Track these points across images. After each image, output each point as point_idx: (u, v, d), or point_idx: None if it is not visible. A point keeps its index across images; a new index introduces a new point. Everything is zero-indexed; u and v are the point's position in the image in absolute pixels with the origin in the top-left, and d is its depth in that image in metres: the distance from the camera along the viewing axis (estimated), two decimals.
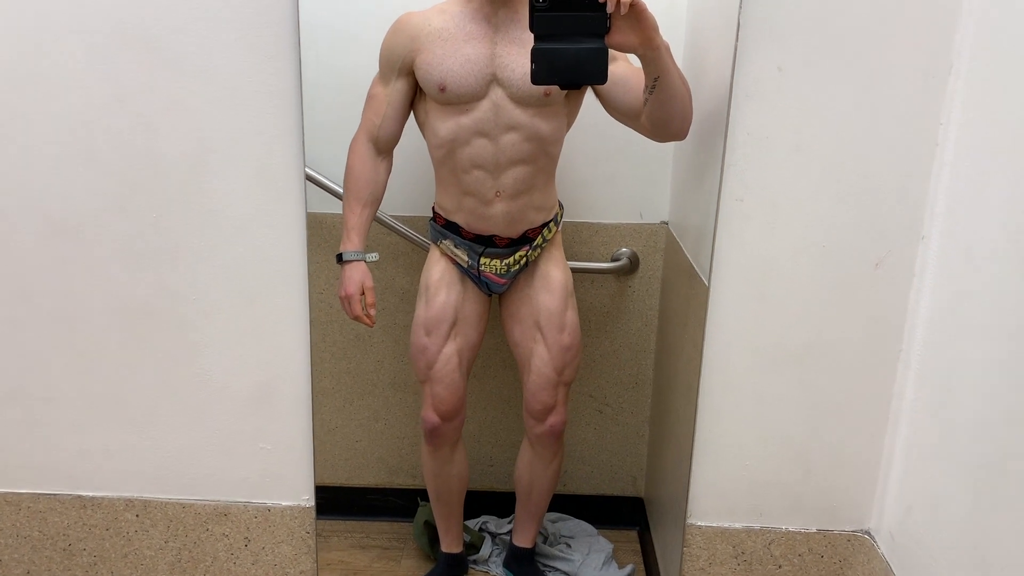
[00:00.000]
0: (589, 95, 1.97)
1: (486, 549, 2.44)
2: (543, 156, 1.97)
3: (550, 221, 2.08)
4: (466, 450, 2.28)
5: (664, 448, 2.29)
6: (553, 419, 2.16)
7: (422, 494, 2.42)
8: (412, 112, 2.01)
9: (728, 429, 1.84)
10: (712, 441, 1.85)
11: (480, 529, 2.48)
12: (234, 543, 1.95)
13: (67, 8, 1.64)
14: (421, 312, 2.12)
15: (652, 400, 2.48)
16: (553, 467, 2.25)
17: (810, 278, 1.74)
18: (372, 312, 2.04)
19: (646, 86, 1.73)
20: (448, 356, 2.12)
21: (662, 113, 1.79)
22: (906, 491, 1.74)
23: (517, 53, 1.86)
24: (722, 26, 1.69)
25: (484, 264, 2.06)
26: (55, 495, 1.93)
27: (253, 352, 1.83)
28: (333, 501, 2.46)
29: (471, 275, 2.10)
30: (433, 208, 2.10)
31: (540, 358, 2.12)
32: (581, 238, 2.32)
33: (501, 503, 2.49)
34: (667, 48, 1.63)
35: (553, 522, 2.53)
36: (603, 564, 2.40)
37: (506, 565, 2.39)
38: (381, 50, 1.95)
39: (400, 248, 2.27)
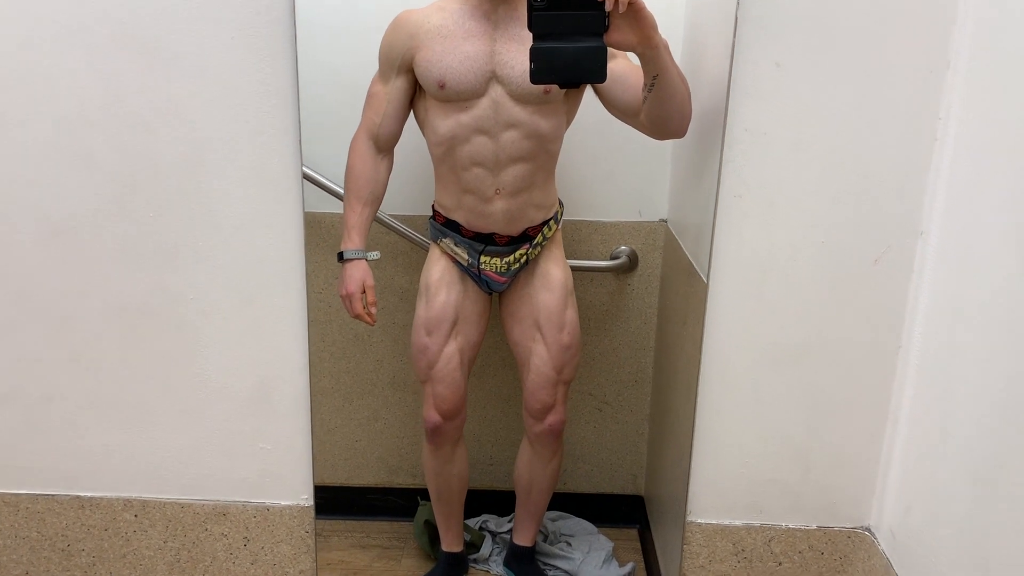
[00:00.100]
0: (588, 93, 1.97)
1: (486, 548, 2.44)
2: (543, 153, 1.97)
3: (550, 219, 2.08)
4: (467, 449, 2.27)
5: (664, 446, 2.29)
6: (552, 418, 2.16)
7: (422, 493, 2.42)
8: (412, 110, 2.01)
9: (727, 426, 1.84)
10: (712, 438, 1.85)
11: (480, 528, 2.48)
12: (233, 543, 1.94)
13: (64, 8, 1.63)
14: (421, 312, 2.11)
15: (652, 398, 2.48)
16: (553, 466, 2.25)
17: (809, 275, 1.73)
18: (373, 311, 2.04)
19: (645, 84, 1.73)
20: (449, 355, 2.11)
21: (661, 111, 1.79)
22: (906, 488, 1.74)
23: (516, 51, 1.86)
24: (720, 23, 1.69)
25: (484, 262, 2.06)
26: (53, 495, 1.93)
27: (252, 352, 1.82)
28: (333, 501, 2.46)
29: (471, 274, 2.10)
30: (433, 206, 2.10)
31: (539, 357, 2.12)
32: (580, 236, 2.32)
33: (501, 502, 2.49)
34: (666, 46, 1.63)
35: (553, 520, 2.53)
36: (603, 562, 2.40)
37: (506, 564, 2.39)
38: (380, 48, 1.95)
39: (399, 247, 2.27)
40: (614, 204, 2.34)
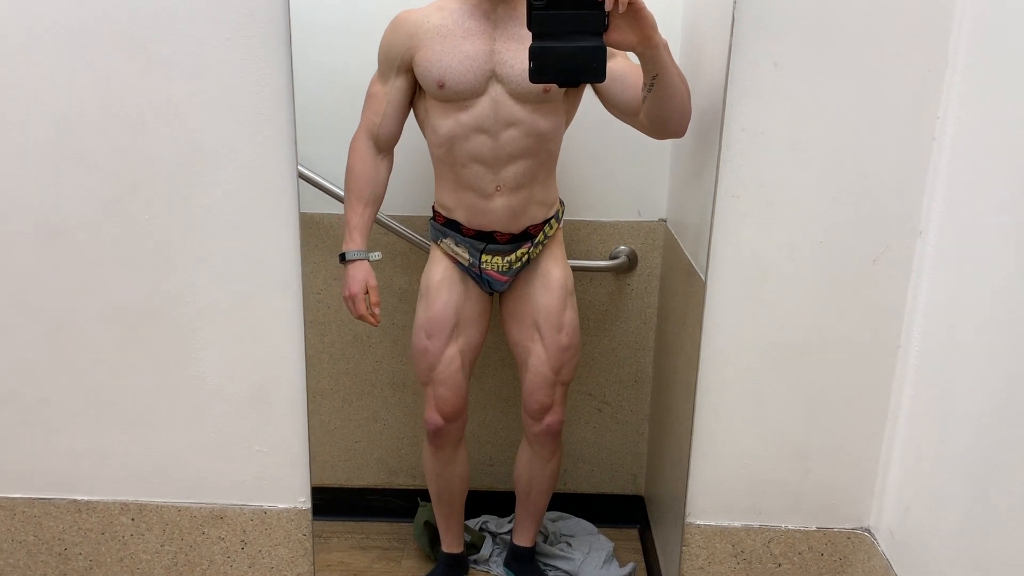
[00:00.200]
0: (588, 92, 1.97)
1: (486, 549, 2.43)
2: (543, 151, 1.97)
3: (551, 218, 2.07)
4: (467, 450, 2.27)
5: (664, 446, 2.28)
6: (550, 418, 2.16)
7: (422, 494, 2.42)
8: (412, 110, 2.01)
9: (726, 427, 1.84)
10: (710, 439, 1.85)
11: (480, 529, 2.48)
12: (230, 546, 1.94)
13: (62, 9, 1.63)
14: (422, 314, 2.11)
15: (651, 398, 2.47)
16: (552, 466, 2.24)
17: (808, 275, 1.73)
18: (376, 311, 2.04)
19: (644, 84, 1.73)
20: (451, 358, 2.11)
21: (660, 111, 1.79)
22: (906, 488, 1.74)
23: (516, 50, 1.85)
24: (718, 22, 1.68)
25: (486, 261, 2.05)
26: (50, 499, 1.93)
27: (248, 354, 1.82)
28: (333, 502, 2.46)
29: (472, 274, 2.10)
30: (433, 207, 2.10)
31: (537, 357, 2.12)
32: (579, 236, 2.32)
33: (501, 502, 2.49)
34: (666, 46, 1.63)
35: (553, 521, 2.53)
36: (604, 563, 2.39)
37: (507, 565, 2.38)
38: (380, 48, 1.95)
39: (398, 248, 2.27)
40: (613, 204, 2.33)
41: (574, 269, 2.15)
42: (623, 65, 1.86)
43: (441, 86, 1.87)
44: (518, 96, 1.88)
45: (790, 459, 1.84)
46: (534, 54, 1.45)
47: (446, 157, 1.97)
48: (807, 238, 1.71)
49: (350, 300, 2.03)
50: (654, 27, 1.55)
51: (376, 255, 2.03)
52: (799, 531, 1.89)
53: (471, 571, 2.40)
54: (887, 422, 1.80)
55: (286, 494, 1.91)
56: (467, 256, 2.06)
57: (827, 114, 1.63)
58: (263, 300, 1.78)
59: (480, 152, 1.93)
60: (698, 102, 1.79)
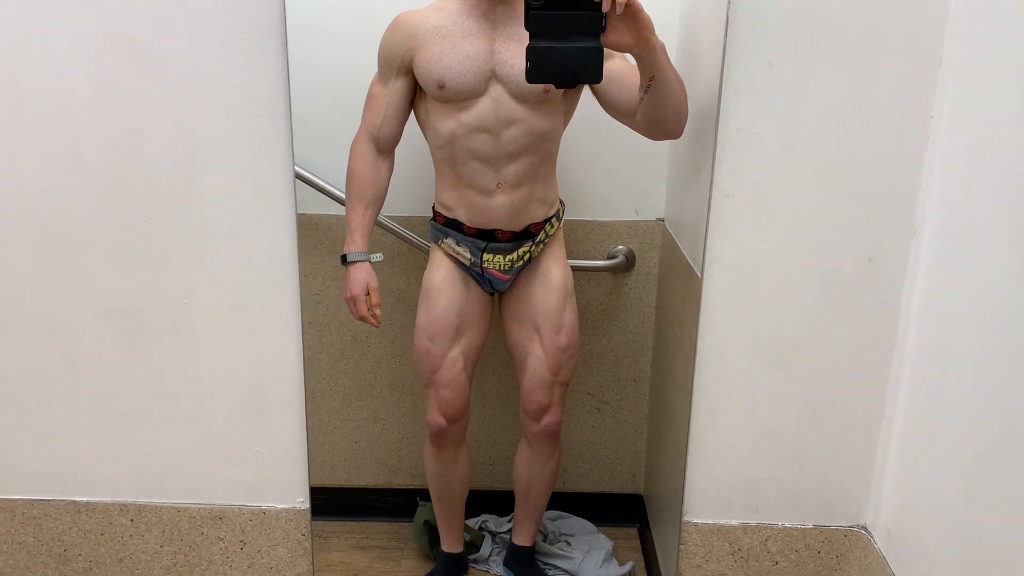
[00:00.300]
0: (586, 92, 1.97)
1: (486, 548, 2.44)
2: (543, 149, 1.97)
3: (552, 216, 2.07)
4: (468, 451, 2.27)
5: (662, 445, 2.29)
6: (548, 419, 2.16)
7: (422, 494, 2.42)
8: (413, 112, 2.01)
9: (723, 426, 1.84)
10: (707, 438, 1.85)
11: (480, 528, 2.48)
12: (229, 546, 1.94)
13: (57, 12, 1.63)
14: (424, 317, 2.11)
15: (650, 397, 2.47)
16: (551, 465, 2.25)
17: (803, 274, 1.73)
18: (378, 312, 2.04)
19: (641, 85, 1.73)
20: (453, 360, 2.11)
21: (657, 112, 1.79)
22: (902, 485, 1.74)
23: (516, 49, 1.85)
24: (714, 23, 1.69)
25: (487, 260, 2.05)
26: (49, 500, 1.93)
27: (246, 355, 1.82)
28: (332, 502, 2.47)
29: (473, 274, 2.10)
30: (433, 207, 2.10)
31: (536, 358, 2.12)
32: (577, 236, 2.32)
33: (500, 502, 2.49)
34: (663, 48, 1.63)
35: (553, 520, 2.53)
36: (603, 561, 2.40)
37: (506, 564, 2.39)
38: (379, 50, 1.95)
39: (396, 249, 2.27)
40: (611, 203, 2.33)
41: (572, 269, 2.15)
42: (620, 66, 1.86)
43: (441, 86, 1.88)
44: (518, 96, 1.88)
45: (787, 457, 1.85)
46: (531, 54, 1.45)
47: (447, 156, 1.98)
48: (802, 237, 1.71)
49: (351, 302, 2.04)
50: (651, 29, 1.56)
51: (377, 256, 2.03)
52: (796, 529, 1.89)
53: (471, 571, 2.40)
54: (883, 420, 1.80)
55: (285, 494, 1.91)
56: (468, 255, 2.06)
57: (822, 114, 1.64)
58: (261, 301, 1.79)
59: (481, 150, 1.93)
60: (695, 102, 1.79)
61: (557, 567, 2.37)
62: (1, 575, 1.98)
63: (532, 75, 1.47)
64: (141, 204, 1.73)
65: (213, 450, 1.89)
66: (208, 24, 1.63)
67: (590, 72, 1.47)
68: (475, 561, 2.42)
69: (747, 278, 1.74)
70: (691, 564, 1.92)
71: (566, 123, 2.01)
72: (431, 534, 2.39)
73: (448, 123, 1.93)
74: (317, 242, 2.24)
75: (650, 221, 2.34)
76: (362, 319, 2.04)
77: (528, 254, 2.06)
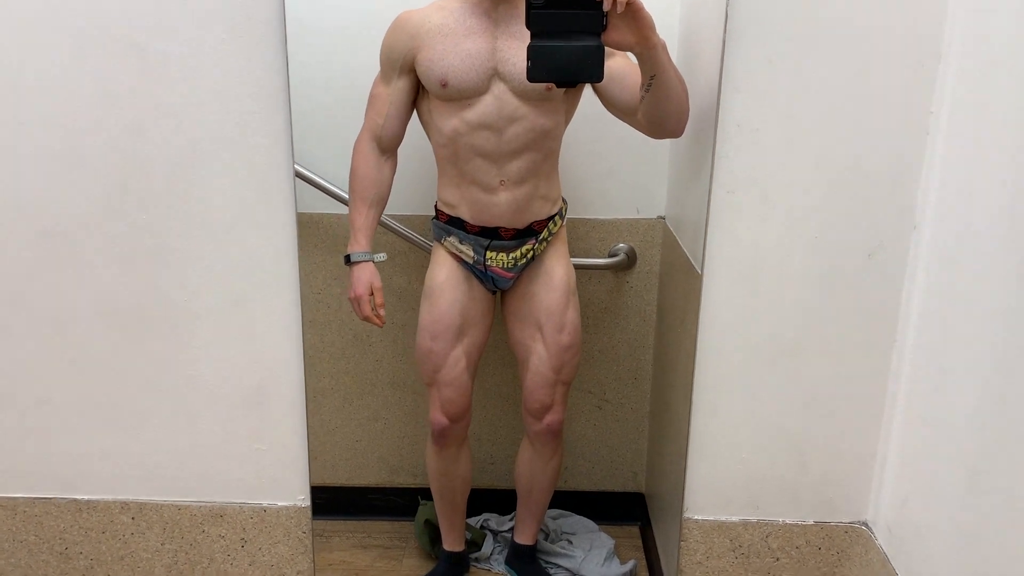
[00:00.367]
0: (587, 91, 1.97)
1: (488, 547, 2.44)
2: (546, 146, 1.97)
3: (555, 214, 2.07)
4: (471, 450, 2.27)
5: (664, 443, 2.29)
6: (550, 417, 2.16)
7: (423, 493, 2.42)
8: (416, 111, 2.01)
9: (723, 422, 1.84)
10: (707, 434, 1.85)
11: (481, 527, 2.48)
12: (231, 544, 1.94)
13: (54, 9, 1.63)
14: (426, 316, 2.11)
15: (651, 395, 2.47)
16: (553, 464, 2.25)
17: (803, 270, 1.73)
18: (382, 312, 2.04)
19: (642, 84, 1.73)
20: (456, 359, 2.11)
21: (658, 111, 1.80)
22: (902, 482, 1.74)
23: (518, 48, 1.85)
24: (714, 20, 1.69)
25: (491, 258, 2.06)
26: (50, 499, 1.93)
27: (246, 353, 1.82)
28: (334, 501, 2.47)
29: (476, 272, 2.10)
30: (435, 206, 2.10)
31: (538, 356, 2.12)
32: (578, 234, 2.32)
33: (502, 501, 2.49)
34: (663, 46, 1.63)
35: (554, 519, 2.53)
36: (605, 560, 2.40)
37: (508, 563, 2.39)
38: (381, 49, 1.95)
39: (397, 247, 2.27)
40: (612, 201, 2.33)
41: (573, 267, 2.15)
42: (622, 64, 1.86)
43: (444, 85, 1.88)
44: (521, 93, 1.89)
45: (787, 454, 1.85)
46: (532, 53, 1.45)
47: (450, 154, 1.98)
48: (802, 233, 1.71)
49: (356, 302, 2.04)
50: (652, 27, 1.55)
51: (381, 256, 2.03)
52: (797, 525, 1.89)
53: (472, 570, 2.40)
54: (883, 416, 1.80)
55: (285, 492, 1.91)
56: (471, 254, 2.06)
57: (821, 109, 1.64)
58: (261, 299, 1.79)
59: (484, 147, 1.93)
60: (695, 100, 1.79)
61: (559, 566, 2.37)
62: (2, 573, 1.98)
63: (533, 74, 1.46)
64: (141, 203, 1.73)
65: (214, 448, 1.89)
66: (207, 23, 1.63)
67: (591, 71, 1.47)
68: (476, 560, 2.42)
69: (747, 274, 1.74)
70: (692, 561, 1.92)
71: (568, 121, 2.02)
72: (432, 533, 2.39)
73: (451, 121, 1.93)
74: (318, 241, 2.24)
75: (651, 219, 2.34)
76: (366, 319, 2.04)
77: (531, 252, 2.06)
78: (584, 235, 2.34)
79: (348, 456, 2.53)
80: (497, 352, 2.35)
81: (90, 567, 1.98)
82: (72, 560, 1.97)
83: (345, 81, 2.08)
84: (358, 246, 2.02)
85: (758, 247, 1.72)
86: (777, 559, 1.91)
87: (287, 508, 1.91)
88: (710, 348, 1.80)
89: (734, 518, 1.90)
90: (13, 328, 1.83)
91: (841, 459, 1.84)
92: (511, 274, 2.09)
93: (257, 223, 1.74)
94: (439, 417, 2.15)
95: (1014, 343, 1.35)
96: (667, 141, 2.19)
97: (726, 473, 1.87)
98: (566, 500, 2.55)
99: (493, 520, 2.51)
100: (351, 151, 2.02)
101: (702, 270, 1.75)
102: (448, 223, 2.07)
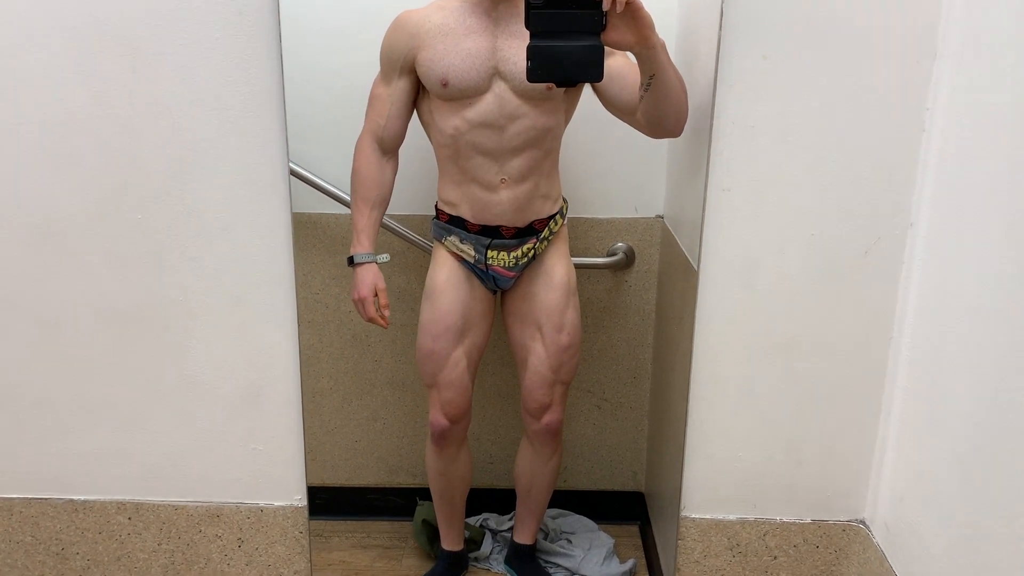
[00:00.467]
0: (587, 90, 1.97)
1: (487, 546, 2.43)
2: (547, 144, 1.97)
3: (556, 213, 2.07)
4: (470, 450, 2.27)
5: (663, 442, 2.28)
6: (549, 417, 2.16)
7: (422, 493, 2.42)
8: (416, 111, 2.01)
9: (720, 421, 1.84)
10: (704, 433, 1.85)
11: (480, 526, 2.48)
12: (227, 544, 1.94)
13: (49, 9, 1.63)
14: (427, 316, 2.10)
15: (651, 394, 2.47)
16: (552, 464, 2.24)
17: (799, 267, 1.73)
18: (386, 313, 2.04)
19: (642, 83, 1.73)
20: (457, 360, 2.11)
21: (657, 111, 1.79)
22: (899, 480, 1.74)
23: (519, 47, 1.85)
24: (710, 18, 1.68)
25: (492, 257, 2.05)
26: (47, 499, 1.93)
27: (242, 352, 1.82)
28: (333, 501, 2.47)
29: (477, 272, 2.09)
30: (436, 205, 2.09)
31: (537, 356, 2.12)
32: (577, 233, 2.31)
33: (501, 500, 2.49)
34: (663, 46, 1.63)
35: (554, 518, 2.52)
36: (604, 559, 2.39)
37: (507, 562, 2.38)
38: (381, 50, 1.95)
39: (396, 247, 2.26)
40: (610, 201, 2.33)
41: (574, 266, 2.15)
42: (621, 64, 1.86)
43: (444, 84, 1.88)
44: (521, 92, 1.88)
45: (784, 452, 1.85)
46: (532, 53, 1.45)
47: (451, 153, 1.97)
48: (798, 231, 1.71)
49: (359, 303, 2.03)
50: (651, 27, 1.55)
51: (384, 257, 2.03)
52: (794, 524, 1.89)
53: (471, 569, 2.40)
54: (880, 414, 1.80)
55: (282, 492, 1.91)
56: (472, 253, 2.06)
57: (817, 106, 1.63)
58: (256, 298, 1.79)
59: (485, 145, 1.93)
60: (693, 99, 1.79)
61: (558, 565, 2.37)
62: (0, 574, 1.99)
63: (533, 74, 1.46)
64: (136, 202, 1.74)
65: (210, 448, 1.89)
66: (201, 21, 1.63)
67: (591, 71, 1.47)
68: (476, 559, 2.41)
69: (743, 272, 1.74)
70: (689, 559, 1.92)
71: (568, 119, 2.01)
72: (430, 533, 2.39)
73: (452, 120, 1.92)
74: (316, 241, 2.24)
75: (649, 218, 2.33)
76: (371, 320, 2.04)
77: (532, 250, 2.06)
78: (583, 234, 2.33)
79: (347, 456, 2.53)
80: (497, 352, 2.35)
81: (86, 567, 1.98)
82: (68, 561, 1.97)
83: (344, 81, 2.07)
84: (361, 247, 2.02)
85: (754, 244, 1.72)
86: (775, 557, 1.91)
87: (284, 508, 1.91)
88: (707, 346, 1.80)
89: (731, 517, 1.90)
90: (9, 328, 1.83)
91: (838, 457, 1.84)
92: (512, 273, 2.08)
93: (253, 222, 1.74)
94: (439, 419, 2.15)
95: (1010, 340, 1.35)
96: (665, 140, 2.19)
97: (723, 471, 1.87)
98: (565, 499, 2.54)
99: (492, 519, 2.51)
100: (350, 151, 2.02)
101: (698, 267, 1.75)
102: (449, 222, 2.06)
